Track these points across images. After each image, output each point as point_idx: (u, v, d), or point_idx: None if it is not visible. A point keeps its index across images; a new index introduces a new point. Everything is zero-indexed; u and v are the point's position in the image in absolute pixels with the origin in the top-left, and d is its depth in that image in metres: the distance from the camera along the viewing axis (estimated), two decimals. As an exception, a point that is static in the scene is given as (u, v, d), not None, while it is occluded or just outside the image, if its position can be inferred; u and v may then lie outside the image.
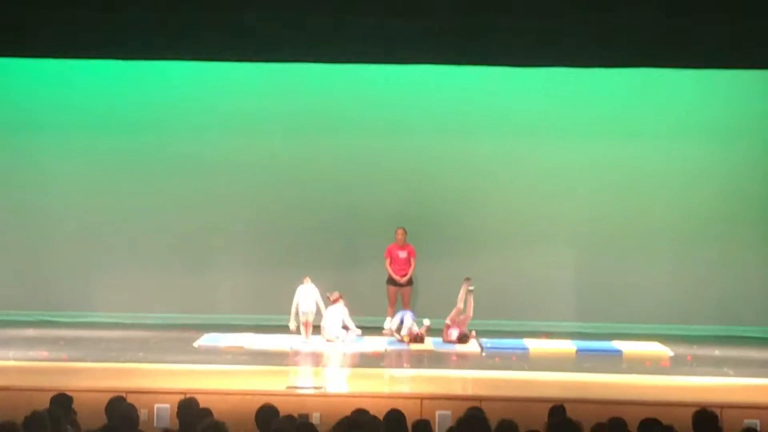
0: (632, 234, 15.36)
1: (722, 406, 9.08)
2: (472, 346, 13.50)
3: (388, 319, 14.16)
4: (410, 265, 14.58)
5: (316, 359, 12.77)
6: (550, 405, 8.10)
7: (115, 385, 9.77)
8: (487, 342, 13.64)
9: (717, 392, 10.62)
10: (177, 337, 13.79)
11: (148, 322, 14.91)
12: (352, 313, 13.82)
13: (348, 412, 7.06)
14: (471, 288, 13.83)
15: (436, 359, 12.82)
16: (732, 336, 14.82)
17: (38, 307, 15.32)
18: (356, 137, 15.40)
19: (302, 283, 13.74)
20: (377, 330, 13.97)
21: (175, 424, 7.76)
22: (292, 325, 13.64)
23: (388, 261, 14.59)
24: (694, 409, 7.38)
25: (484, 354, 13.15)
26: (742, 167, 15.31)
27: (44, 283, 15.42)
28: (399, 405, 7.71)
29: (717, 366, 12.34)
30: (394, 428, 7.14)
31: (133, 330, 14.36)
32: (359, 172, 15.41)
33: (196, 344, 13.29)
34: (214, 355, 12.56)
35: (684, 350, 13.49)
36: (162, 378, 10.71)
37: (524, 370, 11.88)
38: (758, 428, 8.66)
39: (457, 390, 10.45)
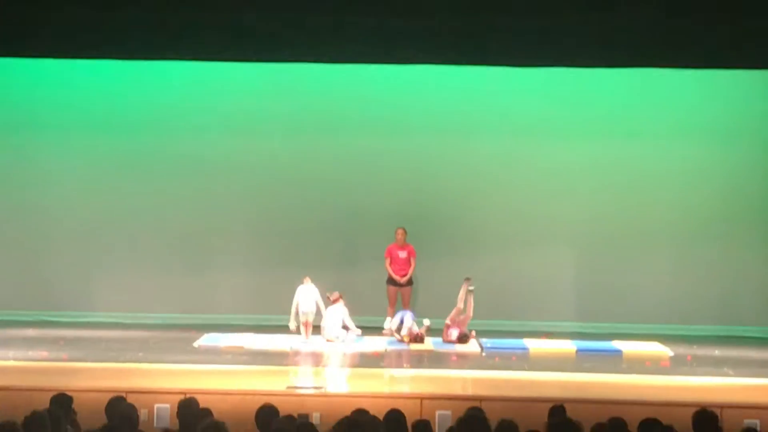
0: (632, 234, 15.36)
1: (722, 406, 9.08)
2: (472, 346, 13.50)
3: (388, 319, 14.16)
4: (410, 265, 14.58)
5: (316, 359, 12.77)
6: (550, 405, 8.10)
7: (115, 385, 9.77)
8: (487, 342, 13.64)
9: (717, 392, 10.61)
10: (177, 337, 13.79)
11: (148, 322, 14.91)
12: (352, 313, 13.82)
13: (348, 412, 7.06)
14: (471, 288, 13.82)
15: (436, 359, 12.82)
16: (732, 336, 14.82)
17: (38, 307, 15.32)
18: (356, 137, 15.40)
19: (302, 283, 13.75)
20: (377, 330, 13.97)
21: (175, 424, 7.76)
22: (292, 325, 13.65)
23: (388, 261, 14.59)
24: (694, 409, 7.38)
25: (484, 354, 13.15)
26: (742, 167, 15.31)
27: (44, 283, 15.42)
28: (399, 405, 7.71)
29: (717, 366, 12.34)
30: (394, 428, 7.14)
31: (133, 330, 14.36)
32: (359, 172, 15.41)
33: (196, 344, 13.29)
34: (214, 355, 12.56)
35: (684, 350, 13.49)
36: (162, 378, 10.71)
37: (524, 370, 11.88)
38: (758, 428, 8.66)
39: (457, 390, 10.45)
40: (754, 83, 14.92)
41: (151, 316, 15.16)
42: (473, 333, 13.78)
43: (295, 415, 7.70)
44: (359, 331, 13.79)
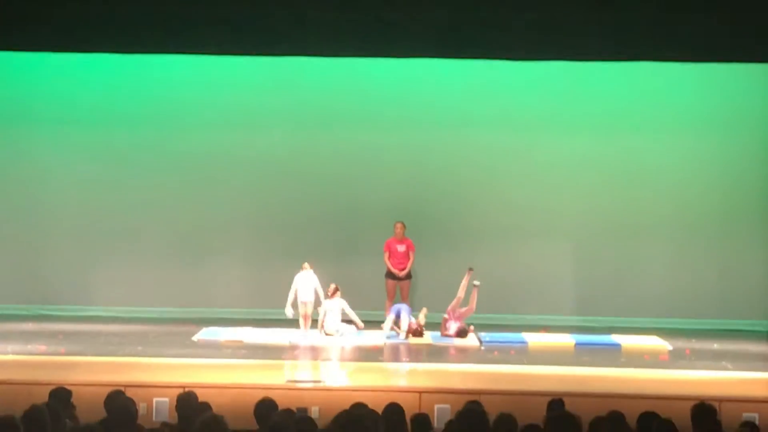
0: (631, 228, 15.36)
1: (721, 400, 9.11)
2: (470, 340, 13.51)
3: (388, 318, 13.95)
4: (409, 258, 14.58)
5: (315, 353, 12.78)
6: (549, 399, 8.10)
7: (114, 379, 9.79)
8: (485, 336, 13.64)
9: (715, 386, 10.63)
10: (176, 331, 13.79)
11: (146, 316, 14.93)
12: (351, 306, 13.78)
13: (347, 406, 7.05)
14: (476, 283, 13.82)
15: (434, 353, 12.83)
16: (731, 330, 14.81)
17: (37, 301, 15.32)
18: (355, 131, 15.39)
19: (301, 269, 13.70)
20: (376, 324, 13.95)
21: (174, 417, 7.76)
22: (289, 312, 13.61)
23: (386, 255, 14.59)
24: (692, 403, 7.39)
25: (482, 348, 13.16)
26: (741, 161, 15.30)
27: (43, 277, 15.42)
28: (398, 399, 7.71)
29: (716, 360, 12.36)
30: (393, 422, 7.14)
31: (131, 324, 14.37)
32: (358, 166, 15.40)
33: (195, 338, 13.29)
34: (213, 349, 12.57)
35: (683, 344, 13.50)
36: (161, 372, 10.72)
37: (523, 363, 11.89)
38: (757, 422, 8.65)
39: (456, 384, 10.45)
40: (753, 77, 14.92)
41: (150, 310, 15.16)
42: (471, 328, 13.78)
43: (294, 408, 7.70)
44: (362, 324, 13.73)
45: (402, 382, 10.91)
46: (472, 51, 12.65)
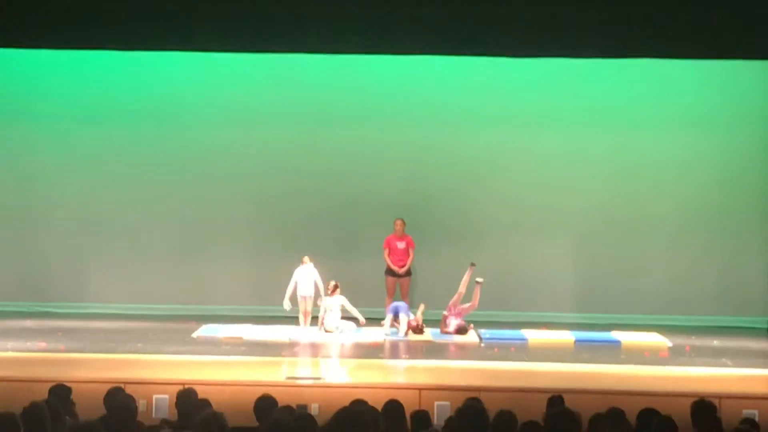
0: (631, 225, 15.37)
1: (721, 397, 9.09)
2: (470, 337, 13.51)
3: (386, 318, 13.92)
4: (409, 255, 14.58)
5: (315, 350, 12.78)
6: (549, 395, 8.12)
7: (114, 376, 9.78)
8: (485, 333, 13.65)
9: (715, 383, 10.62)
10: (176, 328, 13.79)
11: (146, 313, 14.92)
12: (352, 304, 13.76)
13: (347, 403, 7.05)
14: (480, 280, 13.82)
15: (434, 350, 12.82)
16: (730, 326, 14.82)
17: (36, 298, 15.31)
18: (354, 128, 15.38)
19: (301, 263, 13.68)
20: (376, 321, 13.95)
21: (174, 414, 7.77)
22: (287, 306, 13.59)
23: (386, 252, 14.59)
24: (692, 400, 7.39)
25: (482, 345, 13.16)
26: (741, 158, 15.30)
27: (43, 273, 15.41)
28: (398, 396, 7.71)
29: (715, 356, 12.36)
30: (392, 419, 7.14)
31: (131, 321, 14.36)
32: (358, 163, 15.40)
33: (194, 335, 13.30)
34: (212, 346, 12.56)
35: (682, 341, 13.50)
36: (161, 369, 10.72)
37: (523, 360, 11.88)
38: (757, 419, 8.65)
39: (456, 381, 10.44)
40: (753, 74, 14.91)
41: (150, 307, 15.16)
42: (471, 326, 13.77)
43: (294, 405, 7.71)
44: (363, 319, 13.72)
45: (402, 379, 10.91)
46: (473, 48, 12.64)
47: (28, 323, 14.08)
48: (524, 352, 12.67)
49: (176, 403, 7.54)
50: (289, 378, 10.25)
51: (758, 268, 15.18)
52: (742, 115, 15.21)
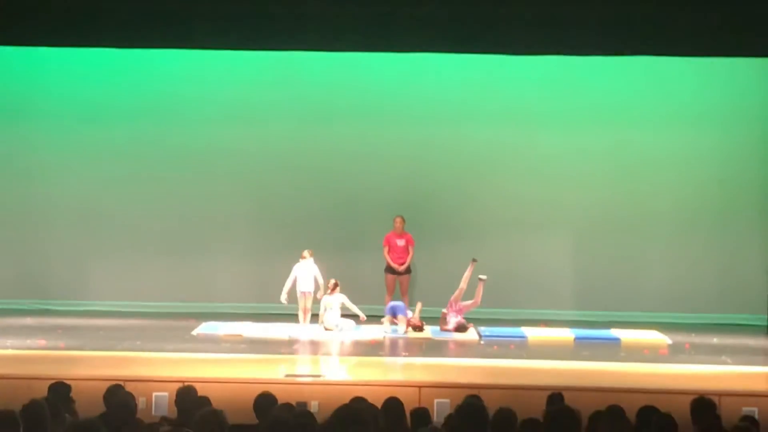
0: (630, 222, 15.37)
1: (720, 394, 9.10)
2: (470, 335, 13.51)
3: (385, 318, 13.91)
4: (408, 253, 14.58)
5: (315, 348, 12.78)
6: (549, 393, 8.11)
7: (114, 374, 9.78)
8: (485, 330, 13.65)
9: (715, 380, 10.62)
10: (175, 325, 13.79)
11: (146, 311, 14.91)
12: (352, 301, 13.75)
13: (346, 401, 7.05)
14: (483, 277, 13.82)
15: (434, 348, 12.82)
16: (730, 324, 14.82)
17: (36, 296, 15.32)
18: (355, 126, 15.38)
19: (301, 258, 13.66)
20: (376, 318, 13.95)
21: (174, 412, 7.76)
22: (283, 298, 13.57)
23: (386, 249, 14.59)
24: (692, 397, 7.39)
25: (482, 342, 13.16)
26: (740, 155, 15.30)
27: (42, 271, 15.41)
28: (397, 393, 7.71)
29: (715, 354, 12.36)
30: (392, 416, 7.14)
31: (131, 318, 14.35)
32: (358, 161, 15.39)
33: (194, 332, 13.30)
34: (212, 343, 12.57)
35: (682, 338, 13.50)
36: (160, 366, 10.71)
37: (522, 358, 11.88)
38: (756, 416, 8.65)
39: (456, 378, 10.44)
40: (752, 71, 14.92)
41: (150, 305, 15.16)
42: (471, 324, 13.75)
43: (294, 403, 7.71)
44: (364, 316, 13.70)
45: (401, 377, 10.90)
46: (472, 46, 12.64)
47: (28, 321, 14.08)
48: (524, 349, 12.66)
49: (176, 400, 7.53)
50: (288, 375, 10.25)
51: (758, 265, 15.16)
52: (742, 112, 15.21)
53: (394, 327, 13.57)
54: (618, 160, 15.38)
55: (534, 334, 13.62)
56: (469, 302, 13.80)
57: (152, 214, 15.48)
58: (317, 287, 13.63)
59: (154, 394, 9.54)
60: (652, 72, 14.97)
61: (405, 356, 12.21)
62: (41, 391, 7.56)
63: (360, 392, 7.76)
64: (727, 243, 15.33)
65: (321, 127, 15.37)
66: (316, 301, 13.69)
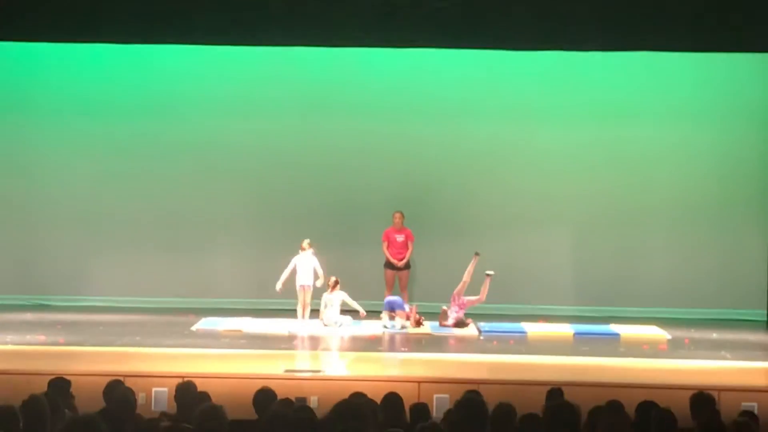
0: (630, 218, 15.37)
1: (720, 390, 9.10)
2: (469, 330, 13.51)
3: (383, 315, 13.90)
4: (407, 248, 14.58)
5: (314, 343, 12.78)
6: (548, 388, 8.11)
7: (113, 369, 9.79)
8: (484, 326, 13.64)
9: (714, 375, 10.63)
10: (175, 321, 13.79)
11: (145, 306, 14.91)
12: (351, 297, 13.75)
13: (346, 396, 7.05)
14: (490, 272, 13.81)
15: (433, 343, 12.83)
16: (729, 319, 14.82)
17: (35, 292, 15.32)
18: (354, 121, 15.37)
19: (300, 250, 13.62)
20: (375, 314, 13.95)
21: (173, 407, 7.76)
22: (278, 286, 13.54)
23: (385, 245, 14.59)
24: (691, 392, 7.39)
25: (481, 338, 13.17)
26: (739, 151, 15.31)
27: (42, 267, 15.41)
28: (397, 388, 7.72)
29: (714, 349, 12.36)
30: (391, 412, 7.15)
31: (130, 314, 14.37)
32: (357, 156, 15.39)
33: (194, 328, 13.30)
34: (212, 338, 12.57)
35: (681, 333, 13.50)
36: (160, 362, 10.72)
37: (522, 353, 11.89)
38: (756, 411, 8.65)
39: (455, 373, 10.44)
40: (751, 66, 14.92)
41: (149, 300, 15.16)
42: (470, 321, 13.74)
43: (293, 398, 7.71)
44: (364, 312, 13.69)
45: (401, 372, 10.91)
46: (471, 41, 12.66)
47: (28, 316, 14.09)
48: (523, 345, 12.67)
49: (175, 396, 7.53)
50: (288, 371, 10.25)
51: (757, 260, 15.18)
52: (741, 107, 15.21)
53: (392, 322, 13.56)
54: (618, 156, 15.37)
55: (533, 329, 13.63)
56: (473, 298, 13.80)
57: (152, 210, 15.47)
58: (317, 277, 13.59)
59: (153, 389, 9.53)
60: (652, 67, 14.97)
61: (404, 352, 12.22)
62: (41, 386, 7.56)
63: (359, 387, 7.76)
64: (727, 238, 15.33)
65: (321, 122, 15.37)
66: (316, 289, 13.63)
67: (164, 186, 15.49)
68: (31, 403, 6.36)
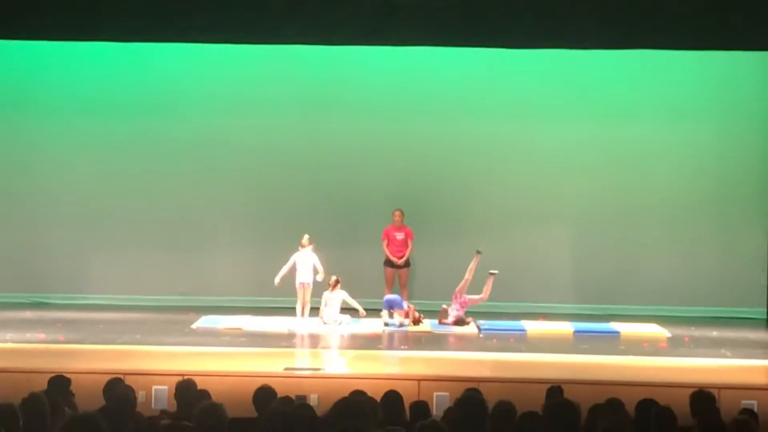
0: (630, 216, 15.36)
1: (720, 387, 9.09)
2: (469, 328, 13.51)
3: (383, 313, 13.90)
4: (407, 246, 14.58)
5: (314, 341, 12.78)
6: (548, 386, 8.10)
7: (113, 367, 9.77)
8: (484, 324, 13.64)
9: (714, 373, 10.62)
10: (175, 319, 13.79)
11: (145, 304, 14.92)
12: (351, 296, 13.75)
13: (346, 394, 7.05)
14: (494, 271, 13.82)
15: (433, 341, 12.83)
16: (729, 317, 14.83)
17: (35, 290, 15.31)
18: (355, 119, 15.36)
19: (300, 247, 13.61)
20: (375, 312, 13.95)
21: (173, 405, 7.76)
22: (277, 280, 13.53)
23: (385, 243, 14.59)
24: (691, 390, 7.40)
25: (481, 335, 13.17)
26: (739, 149, 15.31)
27: (42, 265, 15.40)
28: (397, 386, 7.72)
29: (714, 347, 12.36)
30: (391, 409, 7.15)
31: (130, 312, 14.36)
32: (357, 154, 15.38)
33: (194, 326, 13.30)
34: (211, 337, 12.57)
35: (681, 331, 13.50)
36: (160, 360, 10.73)
37: (522, 351, 11.89)
38: (755, 409, 8.66)
39: (455, 371, 10.45)
40: (750, 64, 14.92)
41: (149, 299, 15.16)
42: (470, 319, 13.74)
43: (293, 396, 7.71)
44: (363, 311, 13.69)
45: (401, 370, 10.91)
46: (472, 39, 12.65)
47: (28, 314, 14.08)
48: (523, 342, 12.68)
49: (175, 394, 7.53)
50: (288, 369, 10.25)
51: (757, 258, 15.18)
52: (740, 105, 15.22)
53: (391, 320, 13.56)
54: (618, 154, 15.37)
55: (533, 327, 13.63)
56: (476, 297, 13.79)
57: (152, 208, 15.47)
58: (316, 272, 13.57)
59: (153, 387, 9.54)
60: (652, 65, 14.97)
61: (404, 350, 12.22)
62: (41, 384, 7.55)
63: (359, 385, 7.75)
64: (726, 236, 15.33)
65: (321, 121, 15.36)
66: (316, 286, 13.62)
67: (164, 184, 15.49)
68: (31, 401, 6.36)
